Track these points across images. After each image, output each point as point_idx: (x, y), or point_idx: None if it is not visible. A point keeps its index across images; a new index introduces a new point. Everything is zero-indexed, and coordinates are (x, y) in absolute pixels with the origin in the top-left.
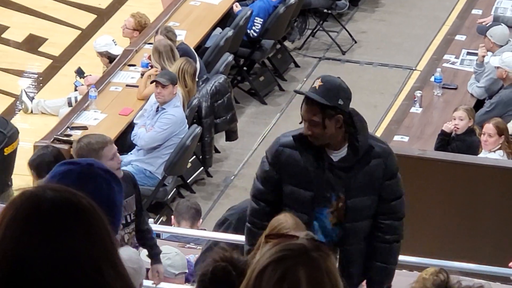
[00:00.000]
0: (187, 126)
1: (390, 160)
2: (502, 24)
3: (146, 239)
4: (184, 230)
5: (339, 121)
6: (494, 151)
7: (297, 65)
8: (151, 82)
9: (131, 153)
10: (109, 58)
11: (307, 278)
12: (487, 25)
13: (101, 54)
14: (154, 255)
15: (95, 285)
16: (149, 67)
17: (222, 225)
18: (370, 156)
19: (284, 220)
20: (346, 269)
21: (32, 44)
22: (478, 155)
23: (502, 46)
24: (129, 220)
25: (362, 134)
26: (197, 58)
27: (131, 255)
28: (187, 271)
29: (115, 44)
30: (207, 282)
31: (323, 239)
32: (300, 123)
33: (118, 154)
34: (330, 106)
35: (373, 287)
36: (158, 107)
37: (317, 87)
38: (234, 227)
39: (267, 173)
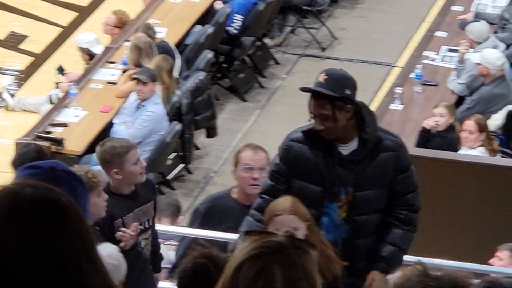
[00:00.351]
0: (167, 123)
1: (402, 153)
2: (481, 20)
3: (154, 244)
4: (165, 227)
5: (349, 112)
6: (475, 148)
7: (277, 62)
8: (132, 80)
9: None
10: (90, 55)
11: (283, 275)
12: (468, 21)
13: (82, 49)
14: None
15: (75, 282)
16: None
17: (193, 214)
18: (380, 149)
19: (282, 202)
20: (354, 263)
21: (13, 41)
22: (459, 152)
23: (480, 43)
24: (147, 226)
25: (371, 126)
26: (177, 56)
27: (111, 252)
28: (169, 266)
29: (98, 43)
30: (187, 279)
31: (332, 235)
32: (309, 120)
33: (141, 159)
34: (339, 97)
35: (378, 266)
36: (138, 104)
37: (322, 81)
38: (202, 215)
39: (277, 167)
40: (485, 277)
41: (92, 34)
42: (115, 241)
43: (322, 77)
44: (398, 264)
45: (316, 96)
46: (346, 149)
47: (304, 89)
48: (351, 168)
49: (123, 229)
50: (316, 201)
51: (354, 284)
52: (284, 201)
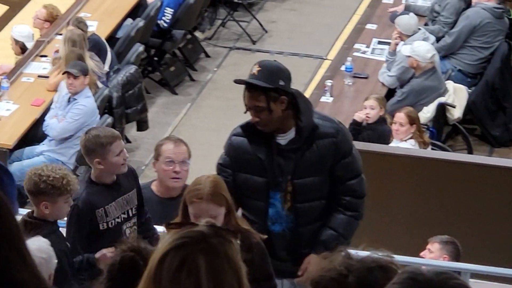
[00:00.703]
0: (99, 116)
1: (341, 139)
2: (410, 13)
3: (148, 230)
4: None
5: (283, 103)
6: (406, 140)
7: (207, 55)
8: (63, 73)
9: (43, 144)
10: (22, 49)
11: (206, 264)
12: (398, 13)
13: (17, 42)
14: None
15: (3, 274)
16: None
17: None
18: (317, 136)
19: (201, 187)
20: (298, 250)
21: None
22: (389, 144)
23: (408, 35)
24: (130, 214)
25: (305, 115)
26: (108, 49)
27: (41, 245)
28: None
29: (33, 40)
30: (115, 272)
31: (278, 226)
32: (245, 112)
33: (125, 150)
34: (273, 88)
35: (316, 249)
36: (69, 98)
37: (256, 73)
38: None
39: (223, 160)
40: (406, 267)
41: (30, 30)
42: (97, 231)
43: (255, 69)
44: (333, 245)
45: (250, 88)
46: (284, 139)
47: (238, 81)
48: (290, 157)
49: (103, 251)
50: (261, 192)
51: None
52: (204, 186)
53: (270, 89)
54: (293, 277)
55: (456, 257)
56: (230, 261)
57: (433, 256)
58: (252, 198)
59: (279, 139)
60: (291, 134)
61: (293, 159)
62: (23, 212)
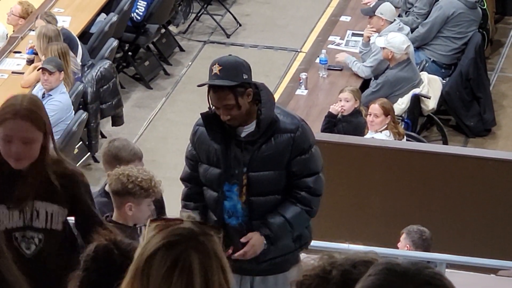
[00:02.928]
0: (73, 112)
1: (300, 135)
2: (387, 1)
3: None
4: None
5: (250, 95)
6: (381, 131)
7: (182, 49)
8: (38, 69)
9: None
10: None
11: (199, 262)
12: (372, 6)
13: None
14: None
15: None
16: (35, 54)
17: None
18: (275, 130)
19: (18, 104)
20: None
21: None
22: (365, 136)
23: (391, 22)
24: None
25: (266, 107)
26: (79, 44)
27: None
28: None
29: (6, 38)
30: (89, 262)
31: (235, 220)
32: (212, 111)
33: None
34: (238, 84)
35: (261, 230)
36: (44, 94)
37: (218, 73)
38: None
39: (190, 154)
40: (381, 259)
41: (4, 29)
42: None
43: (216, 69)
44: (281, 236)
45: (217, 88)
46: (245, 131)
47: (202, 85)
48: (247, 149)
49: None
50: (216, 183)
51: (254, 269)
52: (20, 102)
53: (236, 86)
54: (252, 274)
55: (421, 246)
56: (217, 256)
57: (400, 246)
58: (210, 190)
59: (239, 131)
60: (252, 126)
61: (250, 151)
62: None
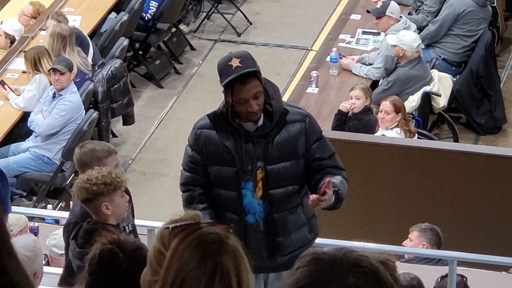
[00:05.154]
0: (84, 111)
1: (309, 123)
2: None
3: None
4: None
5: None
6: (392, 129)
7: (192, 48)
8: (49, 70)
9: (28, 140)
10: (12, 43)
11: (233, 265)
12: (380, 6)
13: (7, 35)
14: None
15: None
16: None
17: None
18: (287, 121)
19: None
20: (275, 238)
21: None
22: (375, 134)
23: (398, 20)
24: (127, 231)
25: (275, 99)
26: (90, 43)
27: (28, 243)
28: None
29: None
30: (95, 266)
31: (252, 217)
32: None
33: (120, 165)
34: (259, 70)
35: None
36: (54, 93)
37: (240, 65)
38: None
39: (192, 158)
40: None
41: (20, 24)
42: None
43: (236, 62)
44: (344, 195)
45: (245, 79)
46: (253, 126)
47: (230, 81)
48: (260, 143)
49: None
50: (233, 182)
51: (268, 266)
52: None
53: (258, 72)
54: (266, 271)
55: (436, 244)
56: (243, 257)
57: (412, 244)
58: (225, 190)
59: (247, 127)
60: (260, 120)
61: (263, 144)
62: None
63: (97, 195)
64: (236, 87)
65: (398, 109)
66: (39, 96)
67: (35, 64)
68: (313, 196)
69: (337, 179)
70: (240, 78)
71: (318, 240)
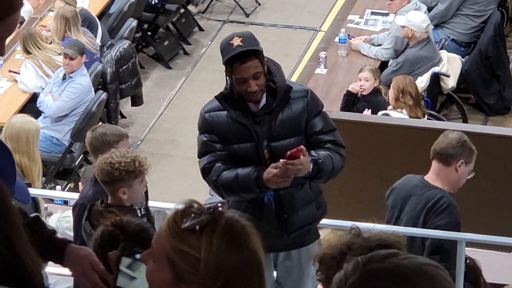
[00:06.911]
0: (94, 93)
1: (311, 98)
2: None
3: None
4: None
5: (265, 65)
6: (400, 111)
7: (201, 29)
8: (58, 54)
9: (37, 120)
10: (21, 23)
11: (259, 247)
12: None
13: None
14: None
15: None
16: None
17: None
18: (290, 97)
19: None
20: (282, 215)
21: None
22: (385, 112)
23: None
24: (139, 215)
25: (278, 76)
26: (99, 24)
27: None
28: None
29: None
30: (96, 246)
31: (265, 196)
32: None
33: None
34: (261, 50)
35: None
36: (64, 75)
37: (241, 44)
38: None
39: (208, 139)
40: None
41: (29, 5)
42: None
43: (237, 40)
44: (326, 166)
45: (245, 58)
46: (256, 105)
47: (230, 58)
48: (264, 121)
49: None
50: (254, 157)
51: (278, 244)
52: None
53: (260, 52)
54: (276, 250)
55: None
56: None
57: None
58: (249, 166)
59: (251, 107)
60: (263, 99)
61: (267, 122)
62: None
63: (117, 180)
64: (235, 66)
65: (378, 77)
66: (37, 75)
67: (24, 48)
68: (281, 161)
69: (319, 152)
70: (240, 57)
71: (324, 221)
